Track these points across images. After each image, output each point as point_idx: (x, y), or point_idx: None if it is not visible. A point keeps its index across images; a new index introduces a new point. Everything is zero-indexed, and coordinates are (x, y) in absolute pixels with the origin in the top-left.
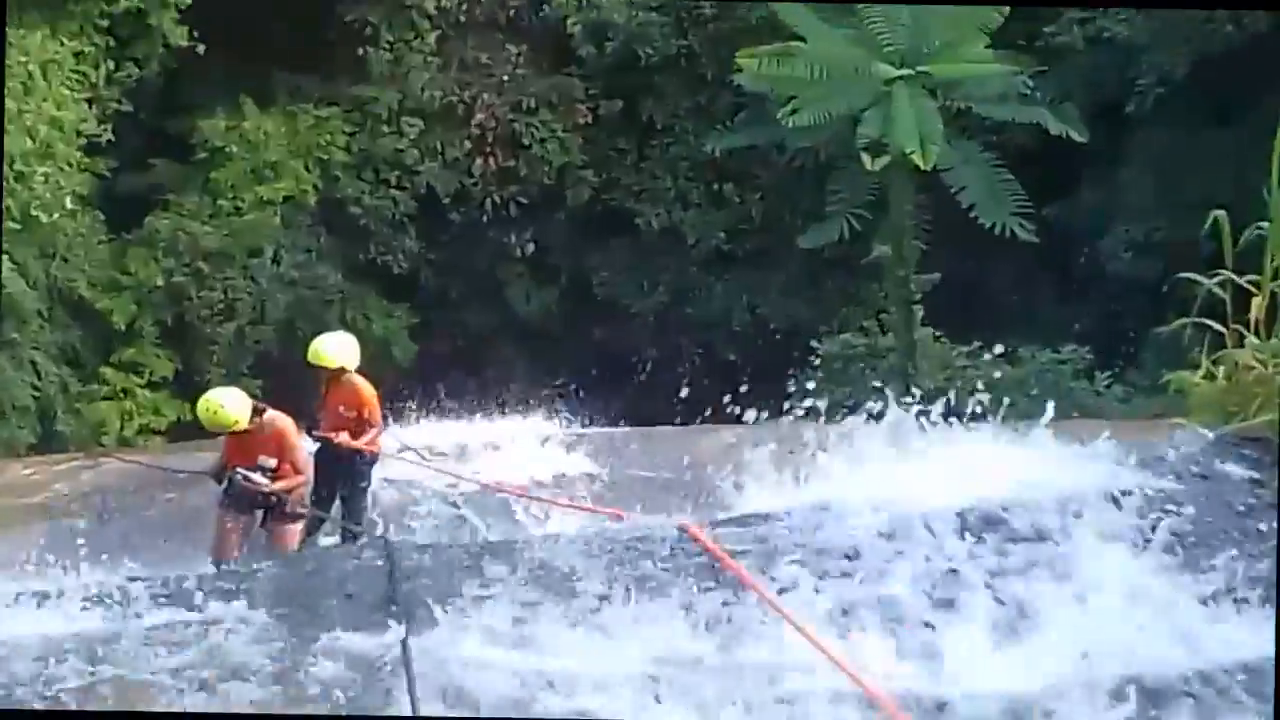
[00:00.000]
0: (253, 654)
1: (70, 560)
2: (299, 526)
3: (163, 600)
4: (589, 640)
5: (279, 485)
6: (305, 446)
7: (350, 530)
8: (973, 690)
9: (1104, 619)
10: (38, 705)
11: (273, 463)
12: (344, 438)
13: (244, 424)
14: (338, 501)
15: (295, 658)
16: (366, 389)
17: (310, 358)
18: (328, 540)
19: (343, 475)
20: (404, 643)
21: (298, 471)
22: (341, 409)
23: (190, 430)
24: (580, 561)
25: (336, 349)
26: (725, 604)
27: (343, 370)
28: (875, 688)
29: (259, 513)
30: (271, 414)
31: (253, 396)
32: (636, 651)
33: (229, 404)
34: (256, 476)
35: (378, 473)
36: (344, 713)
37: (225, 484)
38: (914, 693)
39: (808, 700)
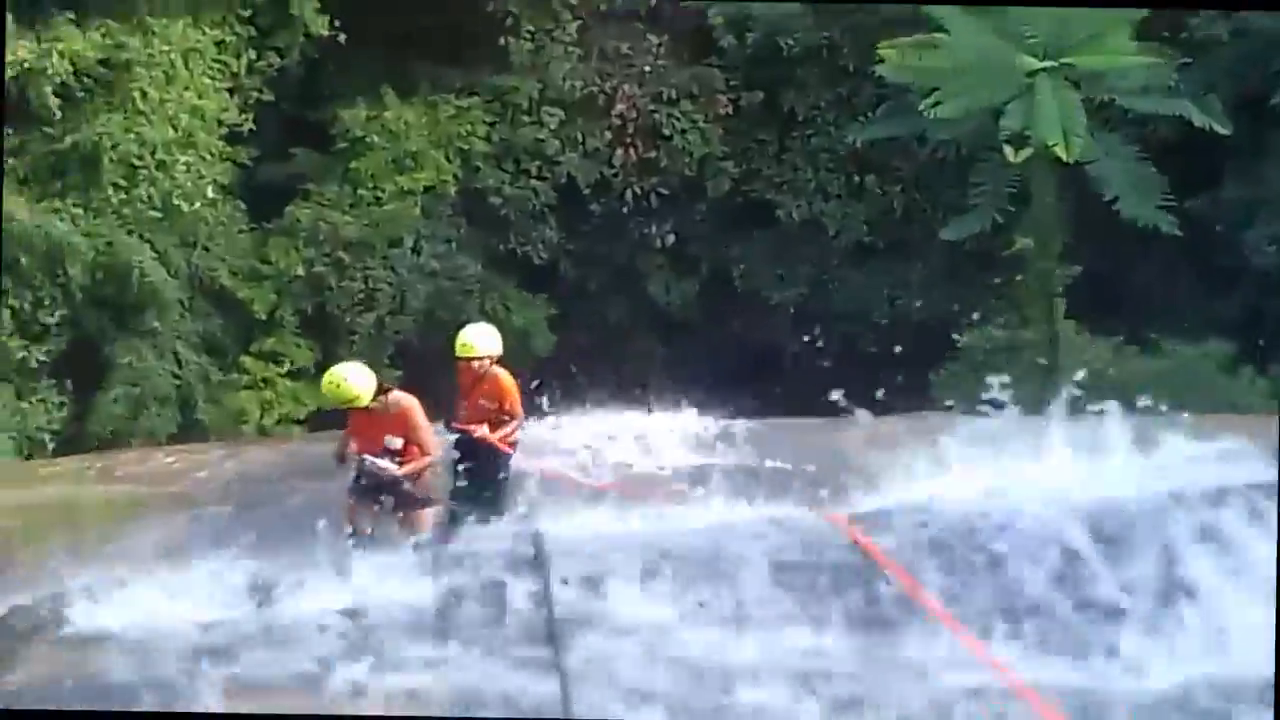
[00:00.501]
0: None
1: (212, 549)
2: (431, 511)
3: (305, 591)
4: (739, 634)
5: (407, 469)
6: (442, 436)
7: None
8: (1123, 686)
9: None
10: (186, 694)
11: (399, 443)
12: (483, 430)
13: (366, 399)
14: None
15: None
16: (508, 380)
17: (458, 349)
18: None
19: (482, 468)
20: (551, 629)
21: (425, 452)
22: (483, 401)
23: (330, 419)
24: (732, 551)
25: (483, 339)
26: (872, 598)
27: (486, 361)
28: (1024, 684)
29: (389, 498)
30: (397, 393)
31: (391, 386)
32: (786, 645)
33: (353, 378)
34: (384, 463)
35: (524, 466)
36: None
37: (355, 472)
38: (1063, 687)
39: (959, 696)
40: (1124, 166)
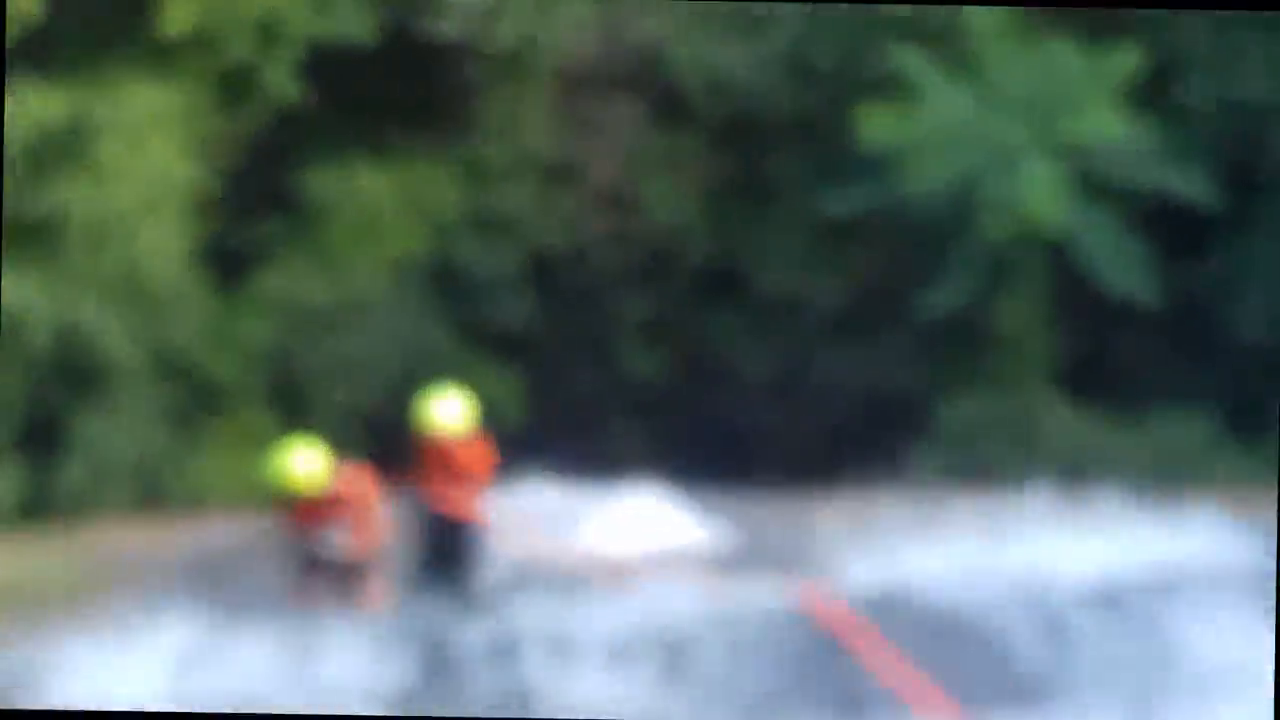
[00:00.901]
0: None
1: (173, 625)
2: (383, 583)
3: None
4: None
5: (357, 552)
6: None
7: (465, 599)
8: None
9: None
10: None
11: (349, 527)
12: (454, 501)
13: (308, 487)
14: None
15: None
16: (479, 451)
17: (421, 422)
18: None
19: (451, 541)
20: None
21: (376, 528)
22: (451, 472)
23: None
24: (703, 633)
25: (449, 413)
26: (846, 684)
27: (454, 433)
28: None
29: (335, 573)
30: (349, 472)
31: (362, 459)
32: None
33: (301, 467)
34: (331, 548)
35: (493, 543)
36: None
37: (302, 549)
38: None
39: None
40: (1106, 238)
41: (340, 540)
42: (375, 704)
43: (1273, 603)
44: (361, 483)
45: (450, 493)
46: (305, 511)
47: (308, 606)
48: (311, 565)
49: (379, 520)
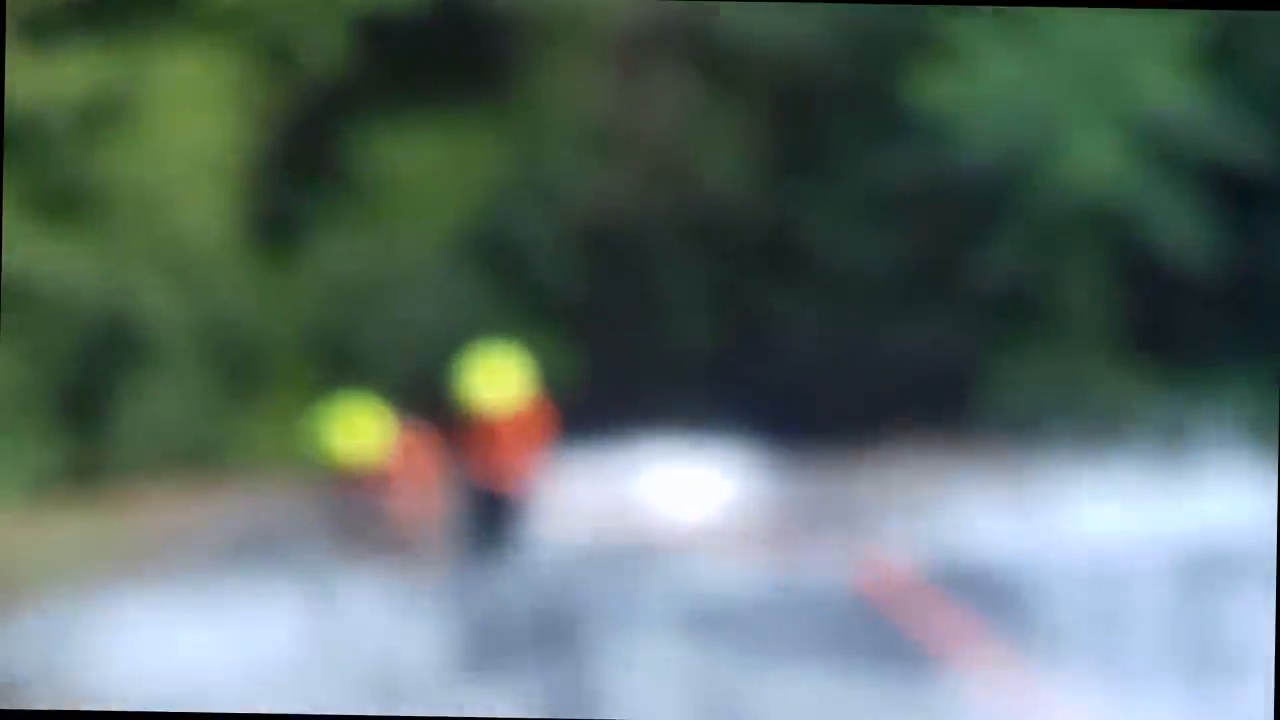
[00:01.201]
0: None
1: (226, 595)
2: (436, 552)
3: (333, 627)
4: (769, 681)
5: (411, 520)
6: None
7: (507, 563)
8: None
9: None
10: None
11: (408, 480)
12: (499, 472)
13: (374, 452)
14: (493, 538)
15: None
16: (527, 420)
17: (466, 392)
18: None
19: (496, 511)
20: (568, 685)
21: (431, 489)
22: (499, 442)
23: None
24: (765, 595)
25: (494, 382)
26: (904, 647)
27: (501, 403)
28: None
29: (391, 532)
30: (405, 430)
31: (406, 431)
32: (818, 692)
33: (356, 431)
34: (391, 498)
35: (543, 513)
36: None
37: (362, 508)
38: None
39: None
40: (1165, 204)
41: (395, 508)
42: (422, 677)
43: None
44: (418, 449)
45: (500, 462)
46: (360, 476)
47: (361, 573)
48: (366, 532)
49: (434, 488)
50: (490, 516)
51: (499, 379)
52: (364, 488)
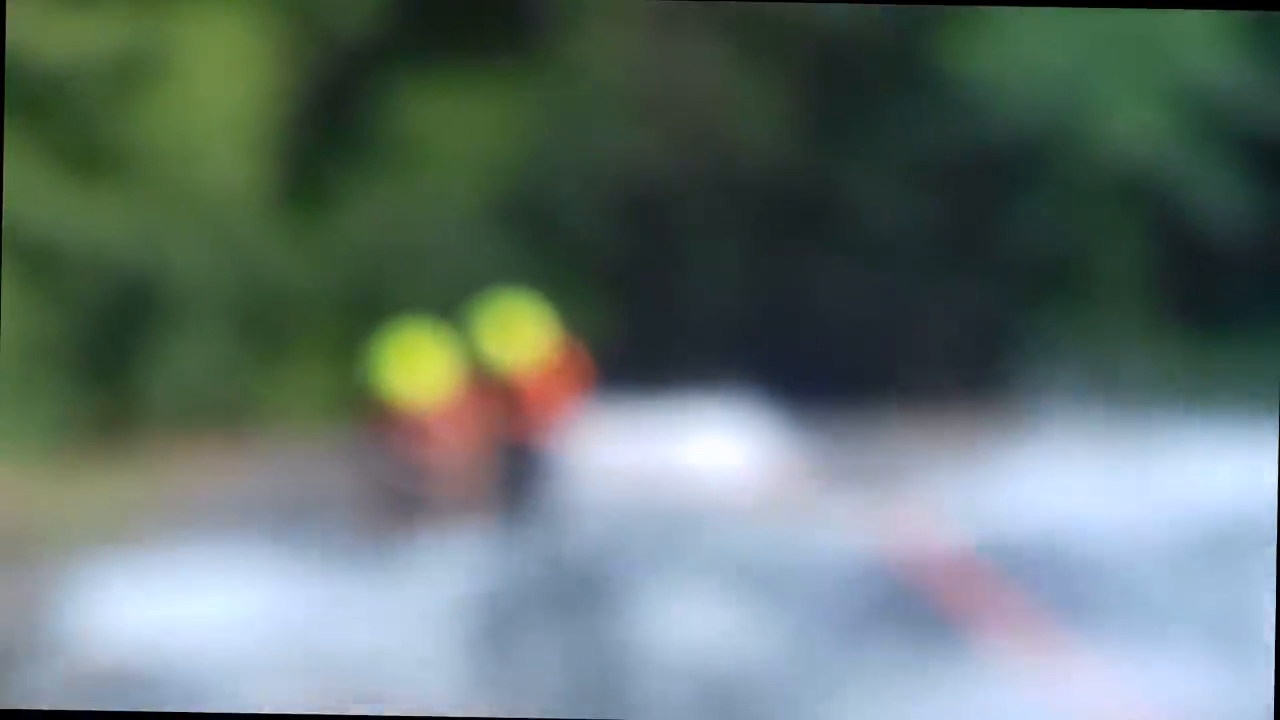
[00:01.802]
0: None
1: (256, 543)
2: (473, 503)
3: (366, 579)
4: (795, 640)
5: (450, 454)
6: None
7: (539, 514)
8: (1214, 702)
9: None
10: (223, 688)
11: (445, 429)
12: (531, 418)
13: (420, 392)
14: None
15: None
16: (560, 372)
17: (493, 350)
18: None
19: (527, 466)
20: (606, 641)
21: (472, 439)
22: (530, 393)
23: (376, 415)
24: (795, 551)
25: (519, 339)
26: (936, 604)
27: (530, 357)
28: (1107, 698)
29: (429, 485)
30: (444, 380)
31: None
32: (842, 653)
33: (408, 372)
34: (428, 448)
35: (570, 461)
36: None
37: (396, 459)
38: (1152, 703)
39: (1023, 710)
40: (1207, 174)
41: (434, 459)
42: (455, 636)
43: None
44: (461, 393)
45: (530, 417)
46: (402, 424)
47: (395, 525)
48: (404, 484)
49: (472, 443)
50: (521, 471)
51: (521, 331)
52: (407, 434)
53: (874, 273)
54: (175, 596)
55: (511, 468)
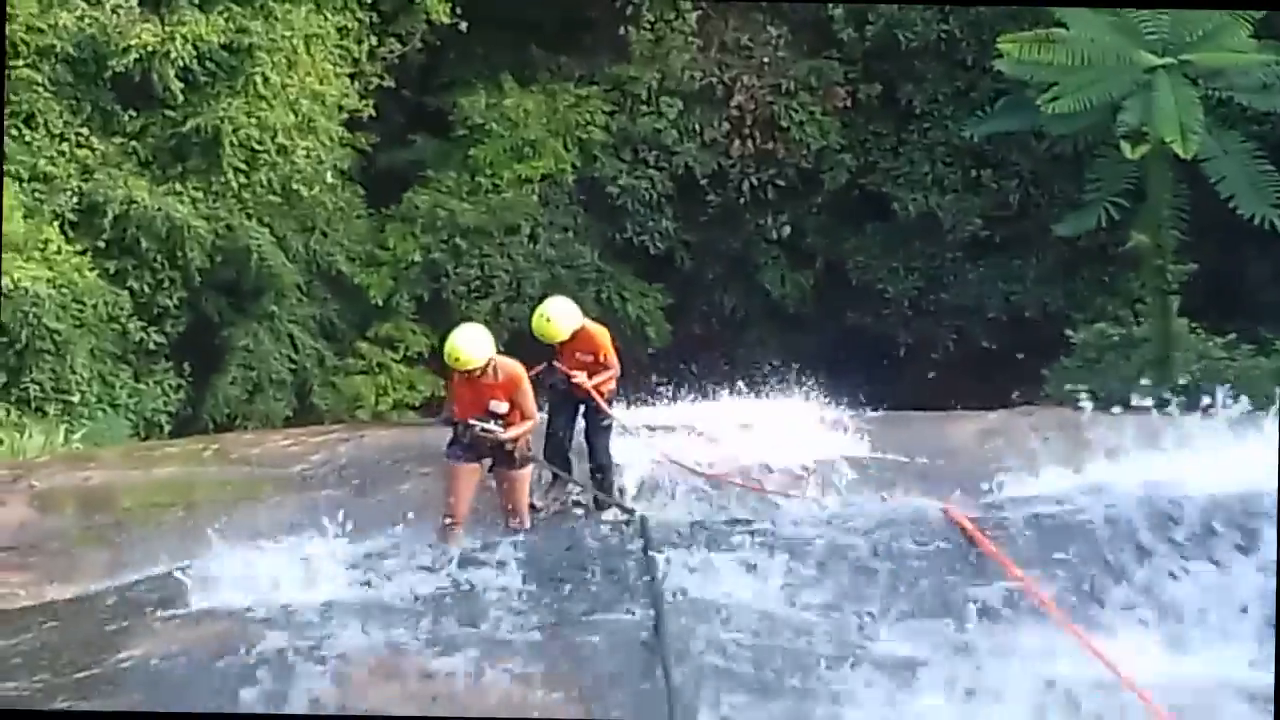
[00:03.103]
0: (513, 625)
1: (325, 532)
2: (527, 471)
3: (422, 570)
4: (846, 622)
5: (510, 433)
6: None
7: (605, 501)
8: (1233, 678)
9: None
10: (300, 669)
11: (504, 408)
12: (581, 376)
13: (480, 365)
14: (589, 472)
15: (555, 630)
16: (600, 334)
17: (539, 335)
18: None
19: (582, 413)
20: (656, 622)
21: (526, 417)
22: (578, 354)
23: (442, 408)
24: (843, 542)
25: (563, 321)
26: (984, 591)
27: (568, 330)
28: (1129, 674)
29: (487, 460)
30: (503, 360)
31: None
32: (894, 635)
33: (470, 348)
34: (490, 425)
35: (636, 453)
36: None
37: (456, 433)
38: (1172, 680)
39: (1067, 690)
40: (1241, 164)
41: (495, 427)
42: (510, 602)
43: None
44: (518, 373)
45: (579, 369)
46: (465, 390)
47: (459, 490)
48: (463, 450)
49: (531, 410)
50: (575, 411)
51: (557, 309)
52: (474, 394)
53: (922, 257)
54: (254, 569)
55: (559, 446)
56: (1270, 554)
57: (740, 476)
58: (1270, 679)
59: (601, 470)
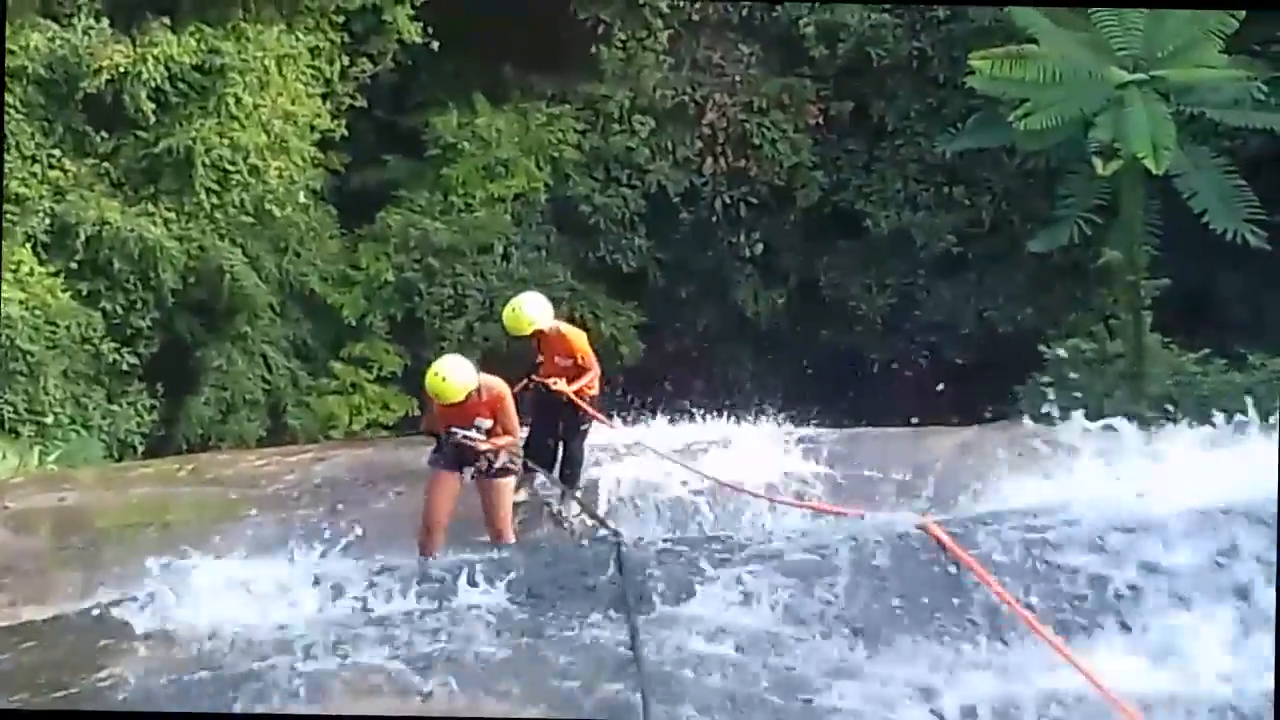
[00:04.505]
0: (493, 642)
1: (300, 550)
2: (510, 481)
3: (402, 589)
4: (826, 638)
5: (494, 442)
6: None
7: (587, 513)
8: (1208, 689)
9: None
10: (279, 689)
11: (488, 424)
12: (561, 384)
13: (462, 396)
14: (567, 492)
15: (534, 646)
16: (577, 337)
17: (510, 328)
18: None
19: (563, 419)
20: (633, 638)
21: (509, 433)
22: (557, 359)
23: (418, 424)
24: (815, 558)
25: (534, 312)
26: (961, 604)
27: (547, 329)
28: (1109, 686)
29: (469, 470)
30: (487, 378)
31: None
32: (873, 650)
33: (455, 381)
34: (472, 433)
35: (615, 469)
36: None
37: (439, 442)
38: (1150, 691)
39: (1045, 701)
40: (1213, 179)
41: (478, 435)
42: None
43: None
44: (503, 391)
45: (558, 374)
46: (454, 409)
47: (439, 500)
48: (445, 459)
49: (514, 428)
50: (557, 418)
51: (535, 310)
52: (458, 416)
53: (895, 274)
54: (227, 589)
55: (541, 458)
56: (1250, 565)
57: (714, 493)
58: (1271, 680)
59: (571, 465)
